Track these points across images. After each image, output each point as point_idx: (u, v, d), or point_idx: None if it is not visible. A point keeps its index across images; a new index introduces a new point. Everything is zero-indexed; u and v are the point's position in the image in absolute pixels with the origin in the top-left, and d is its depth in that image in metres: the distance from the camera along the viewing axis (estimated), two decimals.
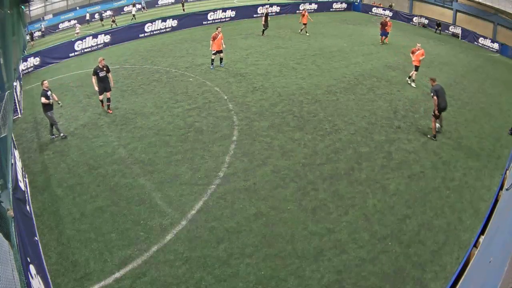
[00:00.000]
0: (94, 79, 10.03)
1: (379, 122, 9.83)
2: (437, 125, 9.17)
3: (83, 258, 5.37)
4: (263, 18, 19.60)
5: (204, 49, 16.91)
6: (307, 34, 19.63)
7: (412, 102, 11.25)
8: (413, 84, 12.63)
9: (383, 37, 18.72)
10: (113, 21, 27.22)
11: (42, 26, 29.57)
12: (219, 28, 13.53)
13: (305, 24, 19.80)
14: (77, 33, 22.43)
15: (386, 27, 18.45)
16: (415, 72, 12.61)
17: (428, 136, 9.09)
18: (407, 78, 12.97)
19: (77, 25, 25.65)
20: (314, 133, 9.12)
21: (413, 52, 12.66)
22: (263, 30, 19.62)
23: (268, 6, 20.24)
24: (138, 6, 32.75)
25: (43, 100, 8.58)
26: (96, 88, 10.18)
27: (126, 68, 14.56)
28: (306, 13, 19.97)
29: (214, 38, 13.23)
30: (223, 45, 13.64)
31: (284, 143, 8.60)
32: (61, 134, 9.08)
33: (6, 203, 4.17)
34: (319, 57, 15.72)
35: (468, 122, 10.19)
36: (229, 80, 12.67)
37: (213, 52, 13.56)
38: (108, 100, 10.48)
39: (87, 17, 32.52)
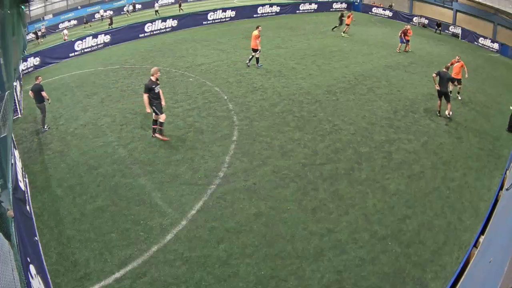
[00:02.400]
0: (146, 98, 7.99)
1: (379, 122, 9.83)
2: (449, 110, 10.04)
3: (83, 258, 5.37)
4: (340, 17, 21.62)
5: (204, 49, 16.93)
6: (344, 35, 20.22)
7: (412, 102, 11.24)
8: (459, 97, 11.82)
9: (402, 44, 17.60)
10: (111, 23, 27.43)
11: (43, 26, 29.59)
12: (259, 27, 13.40)
13: (348, 25, 20.34)
14: (65, 39, 22.71)
15: (407, 36, 17.52)
16: (459, 86, 11.85)
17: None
18: (457, 94, 11.94)
19: (64, 31, 25.79)
20: (314, 133, 9.12)
21: (452, 64, 11.71)
22: (336, 27, 21.59)
23: (345, 10, 23.68)
24: (156, 4, 32.85)
25: (44, 93, 9.48)
26: (149, 110, 8.14)
27: (126, 68, 14.56)
28: (352, 16, 20.82)
29: (258, 37, 13.20)
30: (259, 46, 13.55)
31: (284, 143, 8.60)
32: (45, 127, 9.58)
33: (6, 203, 4.17)
34: (319, 57, 15.72)
35: (468, 122, 10.19)
36: (229, 80, 12.67)
37: (259, 50, 13.55)
38: (160, 123, 8.53)
39: (101, 13, 32.49)
